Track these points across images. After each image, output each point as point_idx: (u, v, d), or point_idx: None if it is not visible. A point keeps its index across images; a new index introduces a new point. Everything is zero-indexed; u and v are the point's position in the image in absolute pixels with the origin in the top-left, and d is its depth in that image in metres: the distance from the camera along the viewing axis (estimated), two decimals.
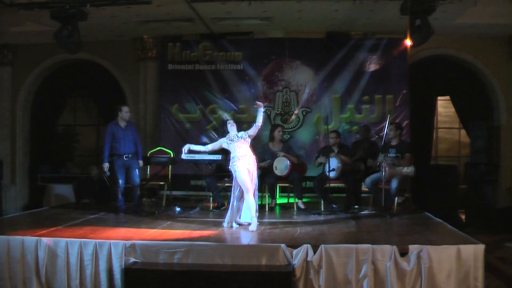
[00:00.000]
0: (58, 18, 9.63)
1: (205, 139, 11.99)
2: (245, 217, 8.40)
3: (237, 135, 8.41)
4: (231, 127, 8.54)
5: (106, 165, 9.75)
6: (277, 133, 10.59)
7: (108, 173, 9.90)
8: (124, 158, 9.74)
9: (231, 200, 8.43)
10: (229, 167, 8.35)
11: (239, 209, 8.44)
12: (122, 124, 9.85)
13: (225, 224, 8.35)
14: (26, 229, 7.67)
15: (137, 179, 9.83)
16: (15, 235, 7.11)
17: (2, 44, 13.14)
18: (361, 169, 10.25)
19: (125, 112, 9.88)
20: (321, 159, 10.21)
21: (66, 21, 9.69)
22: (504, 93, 12.62)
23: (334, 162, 9.88)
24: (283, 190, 11.04)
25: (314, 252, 6.50)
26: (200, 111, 12.57)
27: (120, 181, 9.71)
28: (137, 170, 9.85)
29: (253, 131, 8.38)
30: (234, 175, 8.27)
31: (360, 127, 11.95)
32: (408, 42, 9.78)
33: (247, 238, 7.47)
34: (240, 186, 8.27)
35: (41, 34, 11.61)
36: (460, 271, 6.41)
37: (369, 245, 6.53)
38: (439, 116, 14.90)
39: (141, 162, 10.01)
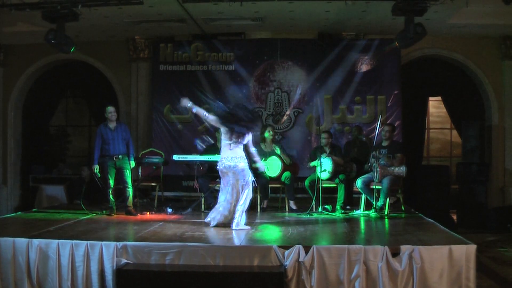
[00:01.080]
0: (49, 19, 9.60)
1: (199, 142, 11.97)
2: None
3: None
4: None
5: (95, 167, 9.74)
6: (269, 134, 10.57)
7: (98, 175, 9.86)
8: (114, 159, 9.70)
9: (243, 204, 8.16)
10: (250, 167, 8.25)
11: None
12: (111, 125, 9.78)
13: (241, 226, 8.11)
14: (18, 230, 7.66)
15: (128, 180, 9.80)
16: (6, 236, 7.07)
17: None
18: (353, 169, 10.25)
19: (109, 113, 9.78)
20: (313, 163, 10.21)
21: (58, 22, 9.67)
22: (496, 93, 12.66)
23: (326, 163, 9.89)
24: (275, 191, 11.01)
25: (306, 253, 6.49)
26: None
27: (111, 182, 9.69)
28: (128, 171, 9.81)
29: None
30: (252, 176, 8.18)
31: (352, 127, 11.96)
32: (399, 43, 9.80)
33: (239, 239, 7.45)
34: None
35: (33, 35, 11.56)
36: (452, 271, 6.41)
37: (361, 246, 6.53)
38: (430, 117, 14.95)
39: (132, 163, 9.93)
